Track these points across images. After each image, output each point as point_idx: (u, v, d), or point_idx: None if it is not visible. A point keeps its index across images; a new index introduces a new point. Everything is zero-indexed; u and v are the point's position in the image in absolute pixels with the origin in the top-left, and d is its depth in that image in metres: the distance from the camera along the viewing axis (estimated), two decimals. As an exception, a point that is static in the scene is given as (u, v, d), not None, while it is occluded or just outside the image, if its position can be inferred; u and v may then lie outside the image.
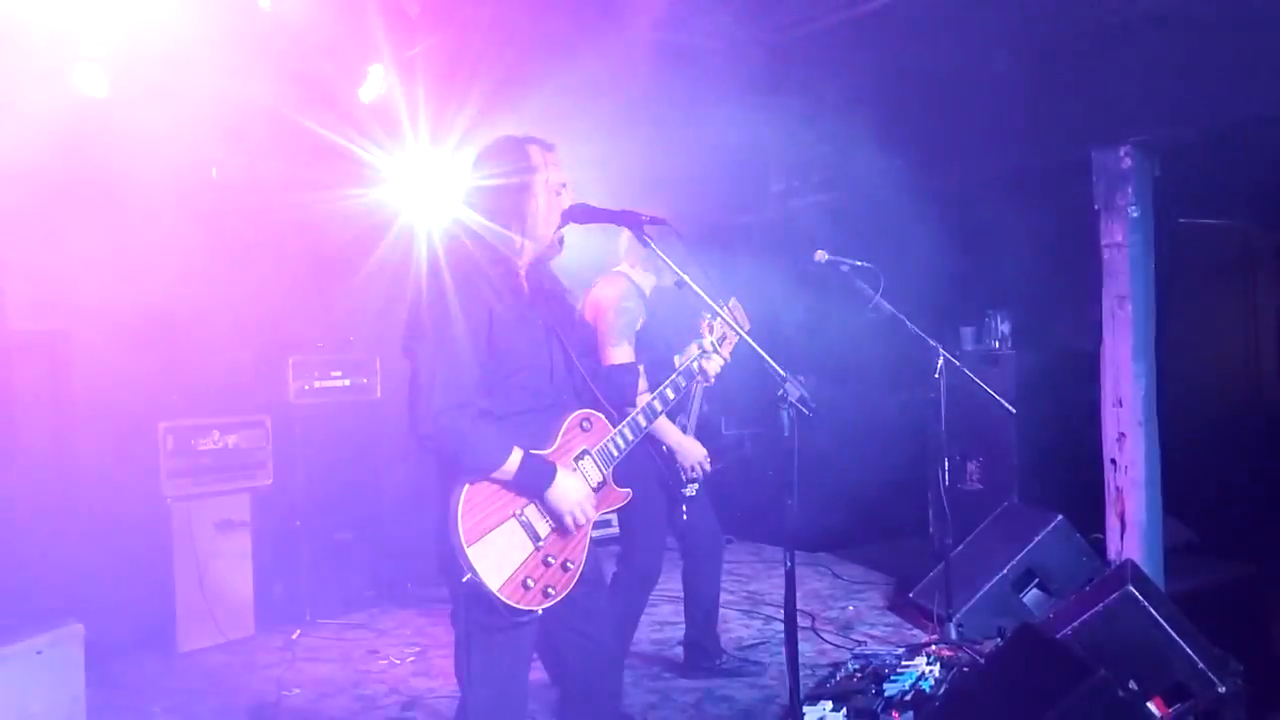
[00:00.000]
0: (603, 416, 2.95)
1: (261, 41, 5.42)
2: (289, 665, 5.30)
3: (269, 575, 6.06)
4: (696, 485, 4.52)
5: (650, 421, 2.99)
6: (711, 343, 3.12)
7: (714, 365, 3.14)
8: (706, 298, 2.92)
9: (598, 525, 2.91)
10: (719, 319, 3.08)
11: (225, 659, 5.44)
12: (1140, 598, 3.77)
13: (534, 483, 2.71)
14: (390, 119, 5.89)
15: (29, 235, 5.38)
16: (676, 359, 3.14)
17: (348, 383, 6.38)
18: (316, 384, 6.24)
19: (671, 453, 4.44)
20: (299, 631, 5.82)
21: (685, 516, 4.54)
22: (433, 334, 2.70)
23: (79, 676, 4.40)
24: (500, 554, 2.65)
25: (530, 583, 2.67)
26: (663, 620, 5.64)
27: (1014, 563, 5.27)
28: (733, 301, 3.28)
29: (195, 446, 5.62)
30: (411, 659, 5.36)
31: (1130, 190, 5.71)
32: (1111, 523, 5.81)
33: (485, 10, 5.90)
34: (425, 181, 6.00)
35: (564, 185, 2.92)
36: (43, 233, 5.46)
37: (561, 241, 2.93)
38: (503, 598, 2.62)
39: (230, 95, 5.42)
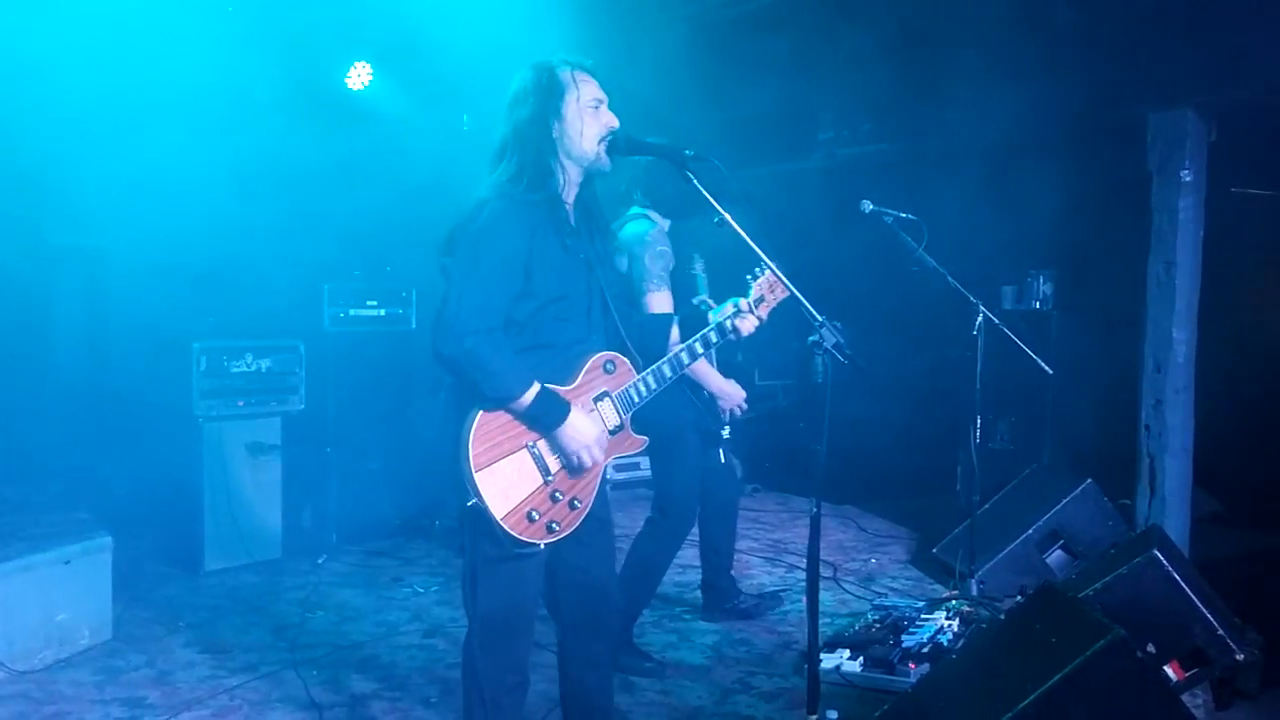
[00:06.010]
0: (628, 361, 2.90)
1: None
2: (314, 589, 5.38)
3: (298, 500, 6.13)
4: (729, 428, 4.54)
5: (676, 373, 2.93)
6: (750, 303, 2.95)
7: (748, 325, 2.95)
8: (748, 239, 2.83)
9: (627, 468, 2.90)
10: (765, 274, 2.93)
11: (251, 580, 5.52)
12: (1165, 562, 3.72)
13: (546, 418, 2.68)
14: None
15: (72, 150, 5.41)
16: (710, 315, 2.99)
17: (383, 312, 6.39)
18: (351, 312, 6.26)
19: (713, 397, 4.42)
20: (325, 556, 5.90)
21: (723, 459, 4.55)
22: (469, 256, 2.68)
23: (106, 588, 4.51)
24: (508, 483, 2.64)
25: (535, 515, 2.66)
26: (685, 564, 5.64)
27: (1040, 523, 5.22)
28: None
29: (228, 368, 5.65)
30: (435, 588, 5.42)
31: (1185, 154, 5.58)
32: (1141, 489, 5.77)
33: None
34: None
35: (600, 100, 2.85)
36: (84, 150, 5.48)
37: (609, 157, 2.84)
38: (505, 526, 2.62)
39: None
